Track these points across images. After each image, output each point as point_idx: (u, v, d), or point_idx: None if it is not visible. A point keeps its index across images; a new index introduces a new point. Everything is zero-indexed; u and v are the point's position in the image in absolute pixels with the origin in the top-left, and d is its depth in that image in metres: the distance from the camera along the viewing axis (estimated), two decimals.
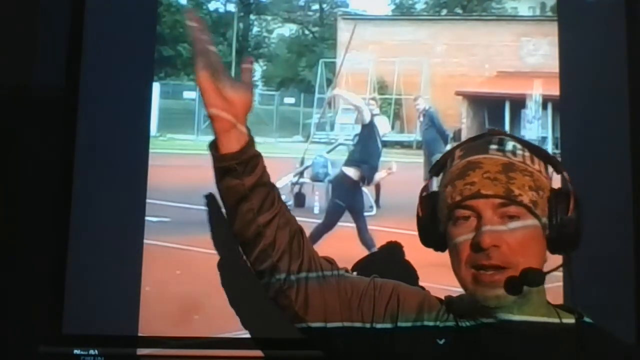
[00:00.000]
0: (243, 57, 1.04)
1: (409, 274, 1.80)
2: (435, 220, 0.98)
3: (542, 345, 0.92)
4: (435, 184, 1.03)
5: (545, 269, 0.93)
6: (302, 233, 1.04)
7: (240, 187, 0.98)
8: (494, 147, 0.97)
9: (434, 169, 1.04)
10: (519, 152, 0.96)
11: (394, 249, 1.90)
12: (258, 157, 1.01)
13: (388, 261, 1.91)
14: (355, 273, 1.85)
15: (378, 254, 2.05)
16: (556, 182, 0.99)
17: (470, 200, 0.91)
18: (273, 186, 1.03)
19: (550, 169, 0.98)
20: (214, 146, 1.02)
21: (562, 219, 0.92)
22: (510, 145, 0.97)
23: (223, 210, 1.06)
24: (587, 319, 0.97)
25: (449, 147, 2.69)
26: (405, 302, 1.02)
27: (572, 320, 0.96)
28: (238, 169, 0.98)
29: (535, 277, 0.89)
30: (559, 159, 1.10)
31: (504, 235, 0.89)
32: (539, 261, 0.93)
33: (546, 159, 0.98)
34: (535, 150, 0.98)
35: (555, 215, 0.92)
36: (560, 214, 0.92)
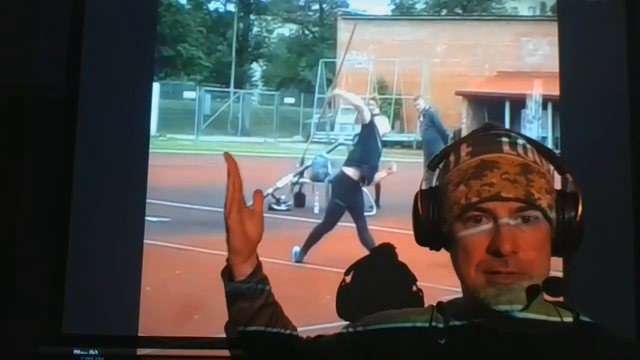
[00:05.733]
0: (255, 190, 1.10)
1: (404, 276, 1.79)
2: (437, 218, 0.95)
3: (538, 344, 0.91)
4: (433, 179, 1.00)
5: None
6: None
7: (249, 309, 1.06)
8: (506, 145, 0.93)
9: (433, 163, 1.00)
10: (530, 151, 0.93)
11: (387, 251, 1.89)
12: (265, 279, 1.10)
13: (382, 264, 1.90)
14: (349, 277, 1.85)
15: (371, 257, 2.04)
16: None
17: (488, 203, 0.88)
18: (277, 305, 1.11)
19: (552, 168, 0.95)
20: (227, 274, 1.09)
21: (570, 222, 0.90)
22: (521, 143, 0.94)
23: None
24: (584, 318, 0.96)
25: None
26: (387, 319, 1.03)
27: (569, 319, 0.95)
28: (248, 293, 1.06)
29: (560, 286, 0.87)
30: None
31: (520, 241, 0.87)
32: (548, 264, 0.91)
33: (550, 158, 0.95)
34: (540, 148, 0.94)
35: (564, 218, 0.90)
36: (569, 217, 0.90)
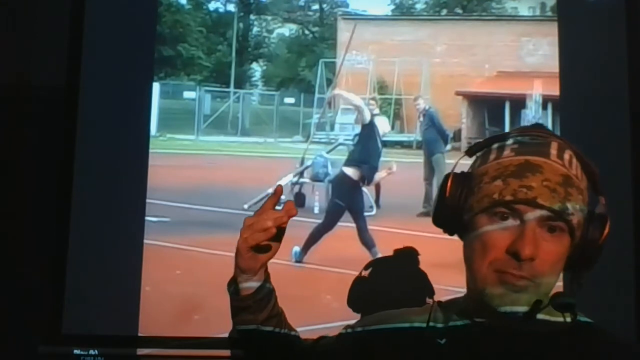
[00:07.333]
0: (287, 209, 0.97)
1: (422, 285, 1.77)
2: (462, 204, 0.94)
3: (537, 344, 0.91)
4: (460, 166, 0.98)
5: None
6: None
7: (253, 322, 1.06)
8: (554, 151, 0.92)
9: (472, 150, 0.97)
10: (574, 162, 0.90)
11: (408, 255, 1.85)
12: (271, 292, 1.07)
13: (401, 266, 1.87)
14: (368, 272, 1.84)
15: (392, 258, 2.01)
16: None
17: (521, 205, 0.87)
18: (281, 313, 1.10)
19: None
20: (233, 285, 1.07)
21: (593, 244, 0.90)
22: (568, 153, 0.93)
23: None
24: (584, 318, 0.96)
25: (449, 147, 2.70)
26: (386, 319, 1.03)
27: (568, 319, 0.95)
28: (253, 306, 1.05)
29: (567, 306, 0.87)
30: None
31: (540, 248, 0.86)
32: (558, 277, 0.91)
33: (590, 176, 0.93)
34: (584, 163, 0.92)
35: (587, 239, 0.89)
36: (593, 239, 0.89)
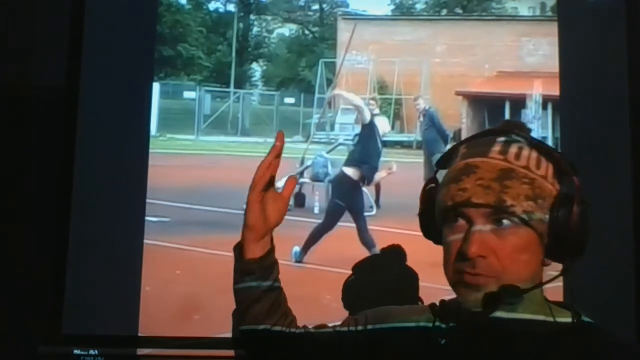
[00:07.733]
0: (290, 176, 1.09)
1: (409, 279, 1.79)
2: (431, 215, 0.97)
3: (538, 344, 0.91)
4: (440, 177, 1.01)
5: (546, 272, 0.92)
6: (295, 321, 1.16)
7: (256, 290, 1.08)
8: (498, 147, 0.92)
9: (439, 162, 1.01)
10: (525, 154, 0.91)
11: (395, 252, 1.88)
12: (275, 263, 1.11)
13: (389, 264, 1.90)
14: (357, 273, 1.85)
15: (380, 256, 2.04)
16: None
17: (461, 208, 0.89)
18: (281, 290, 1.13)
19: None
20: (238, 249, 1.09)
21: (562, 229, 0.88)
22: (515, 147, 0.93)
23: None
24: (585, 318, 0.96)
25: (449, 146, 2.70)
26: (387, 317, 1.03)
27: (569, 319, 0.95)
28: (257, 273, 1.07)
29: (511, 295, 0.86)
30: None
31: (492, 245, 0.87)
32: (529, 271, 0.90)
33: (556, 163, 0.92)
34: (546, 151, 0.92)
35: (555, 225, 0.89)
36: (561, 224, 0.88)
